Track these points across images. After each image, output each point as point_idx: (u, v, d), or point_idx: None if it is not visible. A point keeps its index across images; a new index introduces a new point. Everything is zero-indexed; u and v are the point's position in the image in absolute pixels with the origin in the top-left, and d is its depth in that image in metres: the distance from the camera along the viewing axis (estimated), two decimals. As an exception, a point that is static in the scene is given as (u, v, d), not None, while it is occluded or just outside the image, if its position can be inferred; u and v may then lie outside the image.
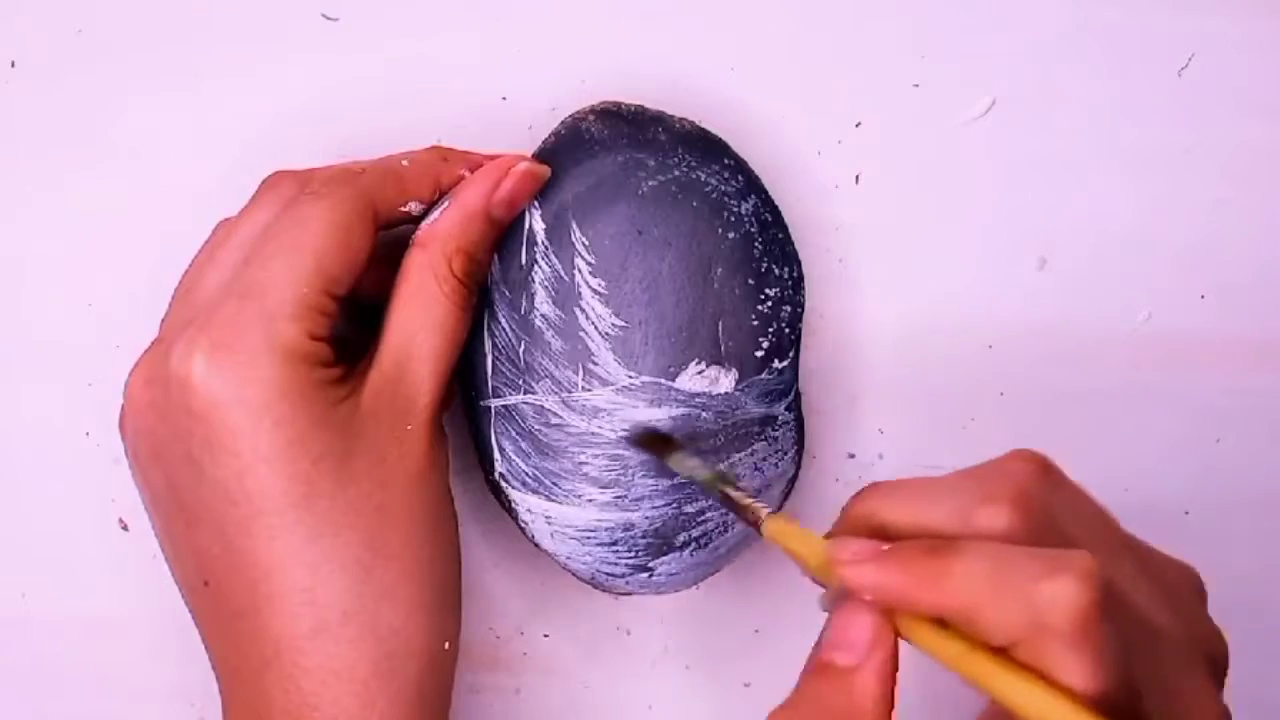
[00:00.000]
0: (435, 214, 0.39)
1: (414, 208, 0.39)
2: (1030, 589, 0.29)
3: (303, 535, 0.35)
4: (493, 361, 0.40)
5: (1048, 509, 0.32)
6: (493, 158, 0.40)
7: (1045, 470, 0.33)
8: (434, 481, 0.38)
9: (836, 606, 0.32)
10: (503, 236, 0.40)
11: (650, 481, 0.40)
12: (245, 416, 0.35)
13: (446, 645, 0.38)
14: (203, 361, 0.35)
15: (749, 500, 0.36)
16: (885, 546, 0.31)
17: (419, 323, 0.37)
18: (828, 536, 0.34)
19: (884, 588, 0.31)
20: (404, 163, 0.39)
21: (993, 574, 0.30)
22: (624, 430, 0.40)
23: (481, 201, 0.39)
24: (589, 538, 0.40)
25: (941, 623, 0.31)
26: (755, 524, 0.35)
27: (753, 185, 0.42)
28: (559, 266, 0.39)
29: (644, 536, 0.41)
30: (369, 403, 0.37)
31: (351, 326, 0.39)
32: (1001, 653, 0.30)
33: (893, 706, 0.31)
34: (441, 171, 0.39)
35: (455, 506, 0.39)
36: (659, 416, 0.40)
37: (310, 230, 0.36)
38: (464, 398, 0.41)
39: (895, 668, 0.31)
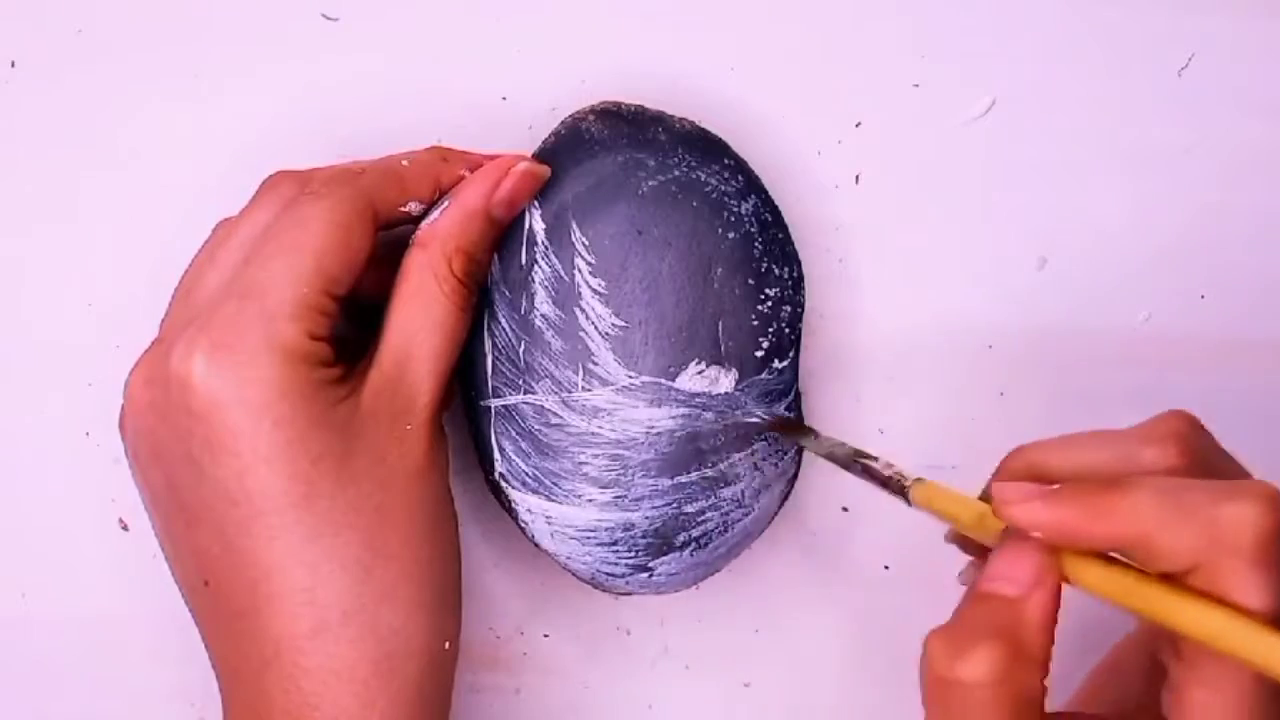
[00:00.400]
0: (435, 214, 0.39)
1: (414, 208, 0.39)
2: (1211, 512, 0.30)
3: (302, 535, 0.35)
4: (493, 361, 0.40)
5: (1209, 454, 0.33)
6: (493, 158, 0.40)
7: (1198, 424, 0.34)
8: (434, 481, 0.38)
9: (998, 545, 0.32)
10: (503, 236, 0.40)
11: (650, 481, 0.40)
12: (245, 416, 0.35)
13: (446, 645, 0.38)
14: (203, 361, 0.35)
15: (892, 471, 0.37)
16: (1054, 486, 0.32)
17: (419, 323, 0.37)
18: (981, 497, 0.34)
19: (1055, 523, 0.31)
20: (404, 163, 0.39)
21: (1170, 501, 0.30)
22: (631, 429, 0.40)
23: (481, 201, 0.39)
24: (589, 538, 0.40)
25: (1105, 561, 0.31)
26: (902, 493, 0.36)
27: (753, 185, 0.42)
28: (559, 266, 0.39)
29: (644, 536, 0.41)
30: (369, 402, 0.37)
31: (351, 326, 0.39)
32: (1173, 581, 0.30)
33: (1054, 641, 0.31)
34: (441, 171, 0.39)
35: (455, 506, 0.39)
36: (659, 416, 0.40)
37: (310, 230, 0.36)
38: (464, 398, 0.41)
39: (1059, 602, 0.31)
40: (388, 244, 0.38)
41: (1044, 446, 0.35)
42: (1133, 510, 0.30)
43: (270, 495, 0.35)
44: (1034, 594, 0.31)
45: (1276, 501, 0.30)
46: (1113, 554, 0.32)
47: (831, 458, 0.39)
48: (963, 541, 0.37)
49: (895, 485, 0.36)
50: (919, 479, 0.36)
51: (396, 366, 0.37)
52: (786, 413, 0.42)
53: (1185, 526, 0.30)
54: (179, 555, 0.37)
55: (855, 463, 0.38)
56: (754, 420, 0.41)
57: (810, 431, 0.41)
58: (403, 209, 0.39)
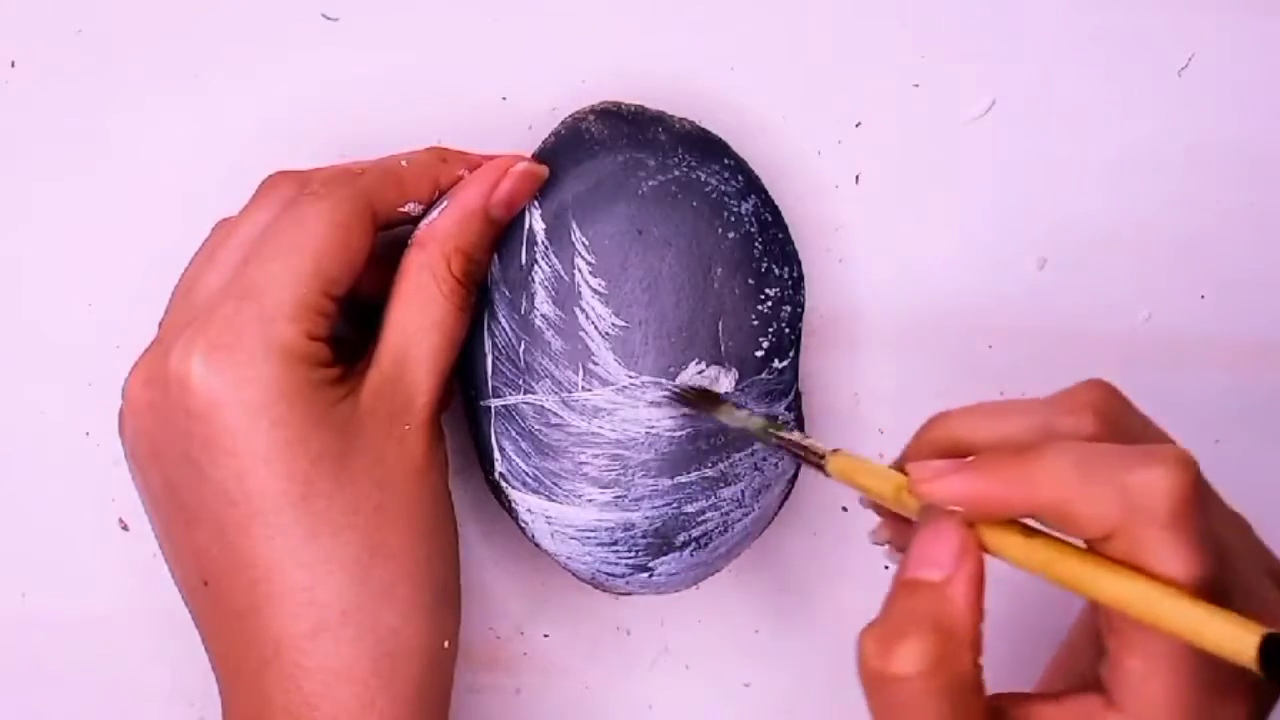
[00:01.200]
0: (434, 214, 0.39)
1: (413, 208, 0.39)
2: (1126, 477, 0.29)
3: (301, 535, 0.35)
4: (493, 361, 0.40)
5: (1127, 422, 0.33)
6: (492, 158, 0.40)
7: (1116, 392, 0.33)
8: (433, 481, 0.38)
9: (919, 526, 0.32)
10: (503, 236, 0.40)
11: (650, 481, 0.40)
12: (243, 417, 0.35)
13: (446, 644, 0.38)
14: (201, 362, 0.35)
15: (808, 441, 0.36)
16: (968, 459, 0.31)
17: (417, 323, 0.37)
18: (896, 466, 0.34)
19: (971, 496, 0.31)
20: (403, 163, 0.39)
21: (1085, 466, 0.30)
22: (626, 428, 0.40)
23: (480, 201, 0.39)
24: (589, 538, 0.40)
25: (1026, 533, 0.31)
26: (818, 464, 0.35)
27: (753, 185, 0.42)
28: (559, 266, 0.39)
29: (644, 536, 0.41)
30: (368, 402, 0.37)
31: (351, 326, 0.39)
32: (1091, 552, 0.30)
33: (983, 618, 0.31)
34: (440, 172, 0.39)
35: (455, 506, 0.39)
36: (659, 416, 0.40)
37: (309, 231, 0.36)
38: (464, 398, 0.41)
39: (983, 579, 0.31)
40: (387, 244, 0.38)
41: (960, 416, 0.34)
42: (1048, 476, 0.30)
43: (269, 495, 0.35)
44: (958, 574, 0.31)
45: (1190, 465, 0.30)
46: (1034, 525, 0.31)
47: (746, 429, 0.39)
48: (877, 507, 0.36)
49: (812, 456, 0.36)
50: (835, 450, 0.35)
51: (395, 366, 0.37)
52: (787, 411, 0.42)
53: (1101, 492, 0.29)
54: (178, 555, 0.37)
55: (770, 435, 0.37)
56: (664, 393, 0.40)
57: (721, 401, 0.40)
58: (402, 209, 0.39)
